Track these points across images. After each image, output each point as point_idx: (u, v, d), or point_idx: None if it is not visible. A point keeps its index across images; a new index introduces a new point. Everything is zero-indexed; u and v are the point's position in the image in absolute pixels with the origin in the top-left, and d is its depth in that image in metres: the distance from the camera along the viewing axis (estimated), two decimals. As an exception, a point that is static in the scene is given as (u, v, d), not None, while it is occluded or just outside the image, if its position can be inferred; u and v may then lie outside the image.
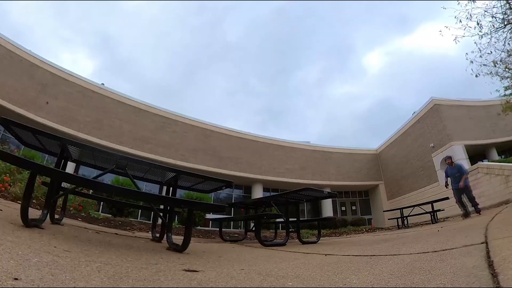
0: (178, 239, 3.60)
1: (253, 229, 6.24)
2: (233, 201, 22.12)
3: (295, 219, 6.24)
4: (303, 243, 5.69)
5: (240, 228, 18.06)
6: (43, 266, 1.42)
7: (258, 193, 22.76)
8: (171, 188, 4.24)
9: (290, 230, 6.02)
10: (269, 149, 24.13)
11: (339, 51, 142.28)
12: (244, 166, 22.40)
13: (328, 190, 20.89)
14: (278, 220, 8.27)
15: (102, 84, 20.30)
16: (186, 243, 3.03)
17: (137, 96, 20.64)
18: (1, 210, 3.35)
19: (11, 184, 6.60)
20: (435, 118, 20.53)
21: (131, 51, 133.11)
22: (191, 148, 20.97)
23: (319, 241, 6.13)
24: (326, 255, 3.16)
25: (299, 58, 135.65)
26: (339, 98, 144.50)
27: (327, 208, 23.89)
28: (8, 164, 6.71)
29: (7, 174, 6.90)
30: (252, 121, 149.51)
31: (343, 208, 26.17)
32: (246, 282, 1.68)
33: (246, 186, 23.63)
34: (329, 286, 1.56)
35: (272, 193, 22.35)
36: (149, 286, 1.41)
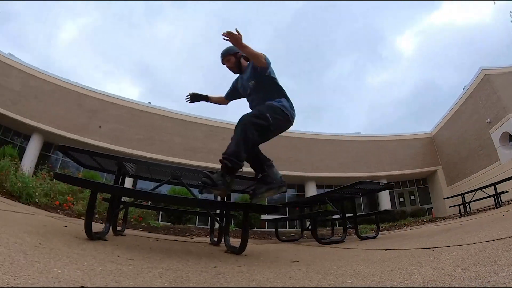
0: (235, 242, 3.63)
1: (309, 227, 6.18)
2: (287, 201, 22.04)
3: (352, 214, 6.09)
4: (362, 238, 5.54)
5: (296, 228, 17.95)
6: (107, 274, 1.48)
7: (311, 191, 22.42)
8: (225, 193, 4.30)
9: (348, 226, 5.89)
10: (318, 144, 23.69)
11: (368, 41, 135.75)
12: (294, 164, 22.16)
13: (384, 181, 20.09)
14: (334, 216, 8.12)
15: (149, 103, 21.51)
16: (243, 245, 3.05)
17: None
18: (66, 227, 3.58)
19: (74, 202, 7.16)
20: (488, 90, 18.63)
21: (169, 73, 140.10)
22: (240, 152, 21.14)
23: (378, 236, 5.93)
24: (386, 250, 3.04)
25: (330, 54, 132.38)
26: (378, 87, 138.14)
27: (385, 201, 22.82)
28: (69, 185, 7.27)
29: (70, 194, 7.51)
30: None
31: (401, 199, 24.74)
32: (304, 281, 1.63)
33: (299, 184, 23.41)
34: (390, 283, 1.50)
35: (326, 190, 21.97)
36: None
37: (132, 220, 7.23)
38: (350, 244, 4.57)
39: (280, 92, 3.28)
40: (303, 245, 5.05)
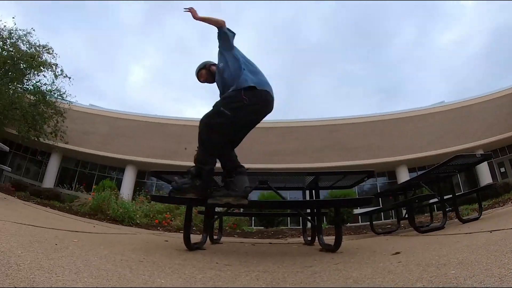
0: (329, 240, 3.58)
1: (406, 216, 5.86)
2: (378, 191, 20.99)
3: (451, 195, 5.61)
4: (464, 222, 5.06)
5: (392, 218, 17.11)
6: (207, 280, 1.56)
7: (403, 176, 20.51)
8: (313, 191, 4.27)
9: (447, 209, 5.45)
10: (400, 124, 21.77)
11: (422, 2, 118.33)
12: (381, 150, 20.89)
13: (481, 152, 18.00)
14: (431, 201, 7.58)
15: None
16: (338, 242, 2.98)
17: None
18: (167, 241, 3.89)
19: (172, 219, 8.09)
20: None
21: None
22: (317, 147, 21.08)
23: (481, 217, 5.38)
24: (491, 231, 2.74)
25: (388, 27, 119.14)
26: (449, 48, 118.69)
27: (484, 174, 19.71)
28: (166, 204, 8.34)
29: (167, 212, 8.48)
30: (368, 106, 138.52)
31: (502, 170, 20.90)
32: (404, 275, 1.52)
33: (389, 171, 21.92)
34: (498, 270, 1.35)
35: (419, 172, 20.19)
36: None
37: (227, 228, 7.58)
38: (452, 229, 4.23)
39: (239, 67, 2.88)
40: (401, 236, 4.80)
